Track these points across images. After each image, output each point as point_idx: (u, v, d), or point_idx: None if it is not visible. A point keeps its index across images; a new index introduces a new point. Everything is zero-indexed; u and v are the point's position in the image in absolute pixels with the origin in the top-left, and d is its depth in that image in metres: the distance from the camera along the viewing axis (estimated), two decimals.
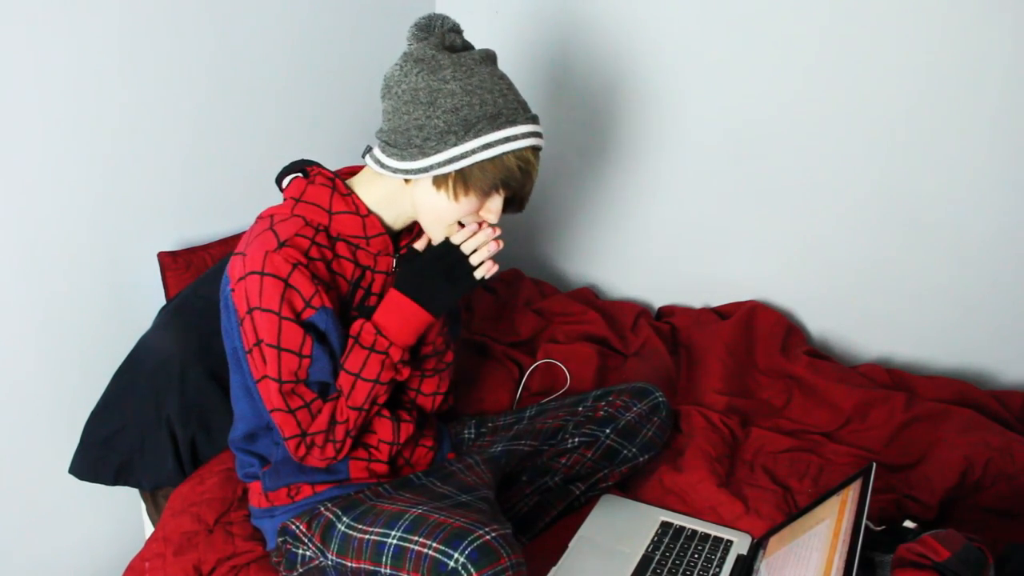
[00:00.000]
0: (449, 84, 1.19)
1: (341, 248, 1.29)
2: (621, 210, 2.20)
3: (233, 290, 1.24)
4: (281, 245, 1.21)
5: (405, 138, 1.22)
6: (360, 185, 1.31)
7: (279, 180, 1.34)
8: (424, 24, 1.25)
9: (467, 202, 1.24)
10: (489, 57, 1.25)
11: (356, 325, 1.30)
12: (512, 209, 1.31)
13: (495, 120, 1.20)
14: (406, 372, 1.32)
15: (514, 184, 1.24)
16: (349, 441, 1.29)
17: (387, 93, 1.24)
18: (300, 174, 1.31)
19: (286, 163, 1.35)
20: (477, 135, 1.19)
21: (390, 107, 1.23)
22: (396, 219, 1.33)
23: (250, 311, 1.22)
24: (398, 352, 1.29)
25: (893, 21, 1.70)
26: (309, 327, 1.24)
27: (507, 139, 1.20)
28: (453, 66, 1.20)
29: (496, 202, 1.26)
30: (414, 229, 1.38)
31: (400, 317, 1.29)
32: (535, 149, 1.25)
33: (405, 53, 1.24)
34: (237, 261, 1.24)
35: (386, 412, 1.36)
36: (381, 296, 1.35)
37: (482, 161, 1.20)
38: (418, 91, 1.20)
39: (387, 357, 1.28)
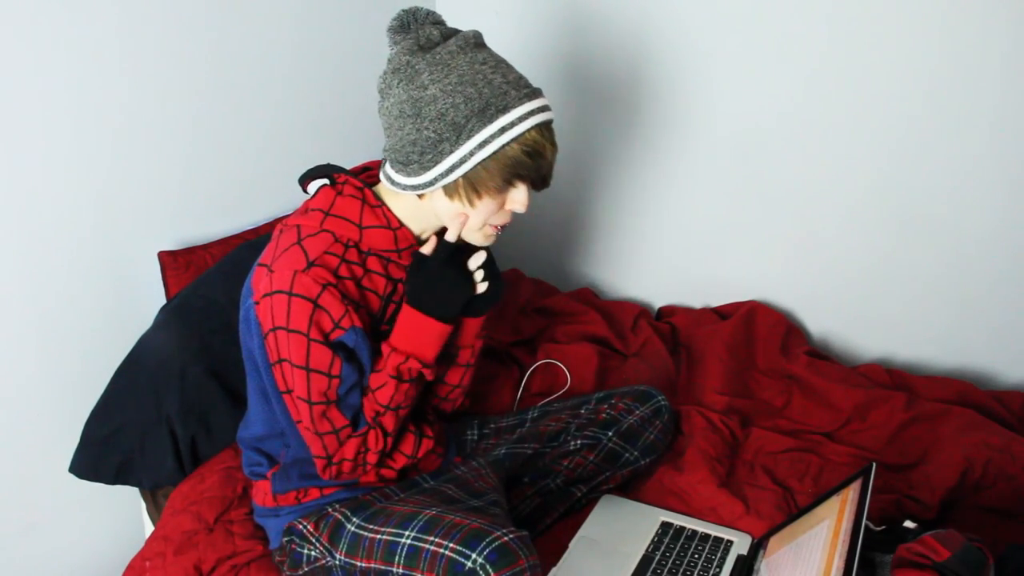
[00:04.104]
0: (429, 90, 1.12)
1: (372, 263, 1.25)
2: (621, 211, 2.20)
3: (257, 303, 1.20)
4: (310, 265, 1.16)
5: (403, 155, 1.17)
6: (388, 195, 1.26)
7: (303, 183, 1.28)
8: (397, 26, 1.18)
9: (484, 204, 1.18)
10: (468, 43, 1.16)
11: (386, 360, 1.25)
12: (536, 188, 1.23)
13: (484, 114, 1.12)
14: (431, 375, 1.29)
15: (527, 172, 1.17)
16: (378, 459, 1.28)
17: (380, 109, 1.20)
18: (327, 181, 1.26)
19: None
20: (470, 136, 1.13)
21: (384, 124, 1.19)
22: (425, 229, 1.29)
23: (275, 329, 1.18)
24: (431, 372, 1.27)
25: (892, 26, 1.70)
26: (338, 346, 1.20)
27: (502, 129, 1.13)
28: (429, 68, 1.13)
29: (519, 193, 1.19)
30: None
31: (423, 337, 1.25)
32: (541, 126, 1.16)
33: (388, 61, 1.19)
34: (262, 275, 1.20)
35: (411, 427, 1.35)
36: None
37: (484, 160, 1.14)
38: (402, 104, 1.15)
39: (419, 381, 1.27)
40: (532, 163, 1.16)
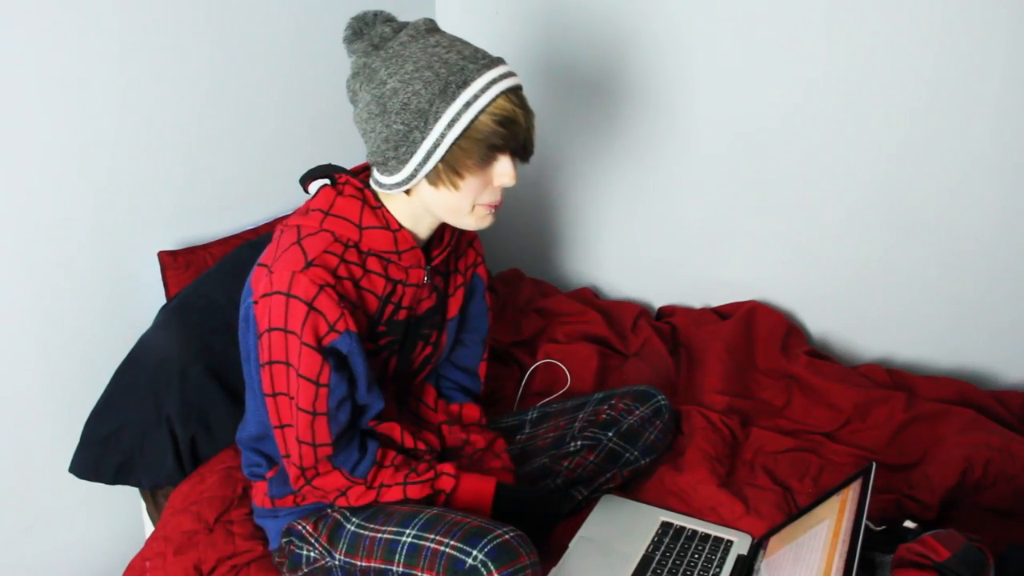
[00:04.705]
0: (388, 84, 1.12)
1: (372, 263, 1.24)
2: (622, 210, 2.20)
3: (256, 303, 1.19)
4: (309, 265, 1.15)
5: (381, 155, 1.17)
6: (385, 198, 1.26)
7: (304, 183, 1.28)
8: (350, 35, 1.19)
9: (469, 184, 1.17)
10: (420, 31, 1.16)
11: (436, 473, 1.29)
12: (521, 159, 1.21)
13: (445, 93, 1.11)
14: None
15: (502, 141, 1.14)
16: (347, 505, 1.29)
17: (354, 118, 1.20)
18: (327, 181, 1.26)
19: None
20: (437, 118, 1.11)
21: (359, 130, 1.19)
22: (423, 229, 1.28)
23: (270, 329, 1.17)
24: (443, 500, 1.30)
25: (892, 26, 1.70)
26: (330, 352, 1.18)
27: (467, 104, 1.11)
28: (384, 64, 1.14)
29: (501, 165, 1.17)
30: (444, 237, 1.34)
31: (473, 502, 1.30)
32: (510, 92, 1.14)
33: (350, 69, 1.20)
34: (262, 275, 1.19)
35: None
36: (409, 309, 1.31)
37: (457, 139, 1.12)
38: (369, 106, 1.15)
39: (433, 499, 1.30)
40: (506, 131, 1.14)
